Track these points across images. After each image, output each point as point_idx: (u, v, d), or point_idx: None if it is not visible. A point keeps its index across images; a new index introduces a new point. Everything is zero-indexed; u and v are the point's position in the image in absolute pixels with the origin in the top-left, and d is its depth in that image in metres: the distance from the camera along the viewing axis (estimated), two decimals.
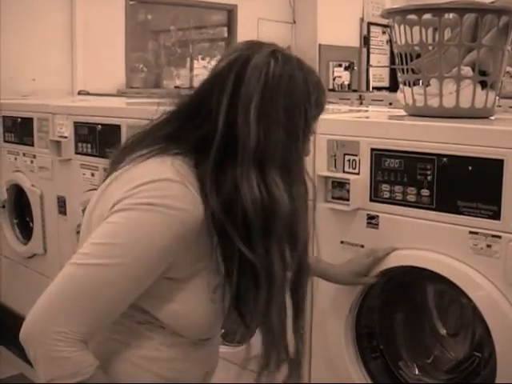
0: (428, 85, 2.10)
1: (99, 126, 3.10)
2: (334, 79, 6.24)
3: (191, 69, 7.02)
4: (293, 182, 1.35)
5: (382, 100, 3.66)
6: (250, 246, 1.31)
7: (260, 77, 1.32)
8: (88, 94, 5.27)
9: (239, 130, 1.30)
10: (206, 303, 1.38)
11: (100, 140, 3.11)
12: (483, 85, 2.07)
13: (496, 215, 1.76)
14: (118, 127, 2.95)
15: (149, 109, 2.83)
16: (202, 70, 7.03)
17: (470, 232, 1.81)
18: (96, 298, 1.25)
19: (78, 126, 3.26)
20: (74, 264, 1.26)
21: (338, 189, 2.07)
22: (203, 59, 7.18)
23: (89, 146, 3.18)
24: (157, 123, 1.45)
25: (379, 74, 6.76)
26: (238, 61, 1.34)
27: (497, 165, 1.74)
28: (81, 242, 1.43)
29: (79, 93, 5.38)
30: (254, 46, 1.37)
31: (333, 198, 2.09)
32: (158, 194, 1.26)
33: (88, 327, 1.25)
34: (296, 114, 1.35)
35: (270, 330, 1.39)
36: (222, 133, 1.31)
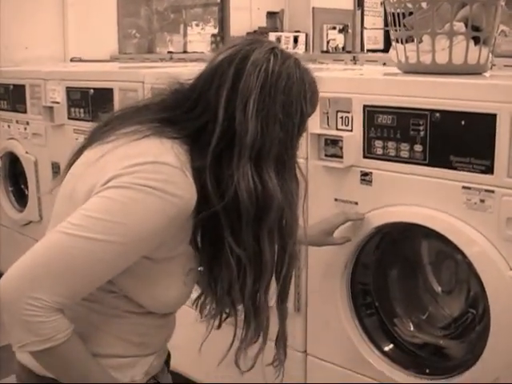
0: (420, 41, 2.08)
1: (91, 91, 3.09)
2: (328, 42, 6.20)
3: (185, 34, 6.96)
4: (286, 177, 1.38)
5: (376, 61, 3.63)
6: (240, 237, 1.34)
7: (259, 73, 1.32)
8: (81, 60, 5.23)
9: (237, 124, 1.31)
10: (177, 285, 1.42)
11: (93, 104, 3.10)
12: (476, 41, 2.05)
13: (489, 170, 1.76)
14: (110, 91, 2.95)
15: (140, 72, 2.85)
16: (196, 36, 6.97)
17: (463, 187, 1.81)
18: (83, 271, 1.23)
19: (70, 91, 3.25)
20: (64, 233, 1.23)
21: (331, 146, 2.06)
22: (197, 25, 7.12)
23: (81, 110, 3.18)
24: (149, 104, 1.46)
25: (374, 36, 6.72)
26: (237, 55, 1.35)
27: (490, 119, 1.73)
28: (59, 210, 1.42)
29: (72, 60, 5.33)
30: (254, 43, 1.38)
31: (326, 155, 2.09)
32: (159, 177, 1.25)
33: (68, 299, 1.23)
34: (293, 112, 1.36)
35: (256, 312, 1.43)
36: (222, 125, 1.32)
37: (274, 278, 1.44)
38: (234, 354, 1.49)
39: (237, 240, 1.34)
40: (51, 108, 3.36)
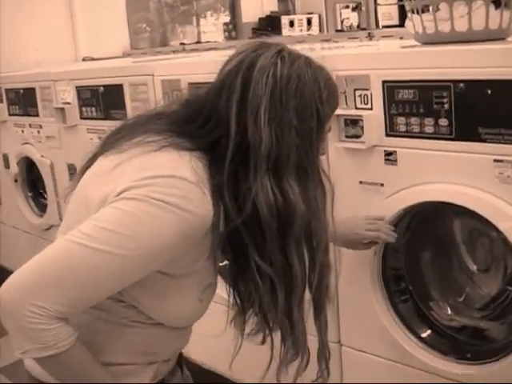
0: (437, 10, 1.98)
1: (101, 88, 3.03)
2: (342, 21, 6.10)
3: (197, 25, 6.90)
4: (309, 185, 1.33)
5: (392, 35, 3.53)
6: (266, 252, 1.30)
7: (267, 79, 1.28)
8: (92, 59, 5.19)
9: (250, 136, 1.27)
10: (192, 301, 1.40)
11: (104, 102, 3.04)
12: (497, 4, 1.94)
13: None
14: (120, 87, 2.88)
15: (149, 65, 2.78)
16: (210, 26, 6.90)
17: (495, 160, 1.73)
18: (90, 282, 1.20)
19: (80, 90, 3.19)
20: (73, 242, 1.20)
21: (351, 127, 1.98)
22: (211, 16, 7.06)
23: (93, 109, 3.12)
24: (162, 113, 1.43)
25: (388, 12, 6.58)
26: (243, 64, 1.31)
27: None
28: (71, 216, 1.41)
29: (84, 59, 5.29)
30: (260, 48, 1.33)
31: (347, 136, 2.01)
32: (175, 192, 1.22)
33: (72, 309, 1.20)
34: (308, 115, 1.31)
35: (291, 328, 1.38)
36: (235, 139, 1.28)
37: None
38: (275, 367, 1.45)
39: (262, 256, 1.30)
40: (63, 109, 3.30)
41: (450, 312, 2.13)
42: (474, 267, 2.16)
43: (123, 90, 2.87)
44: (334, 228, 1.58)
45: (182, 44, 5.91)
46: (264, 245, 1.29)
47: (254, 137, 1.26)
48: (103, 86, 3.02)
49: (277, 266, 1.30)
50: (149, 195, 1.20)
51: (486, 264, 2.13)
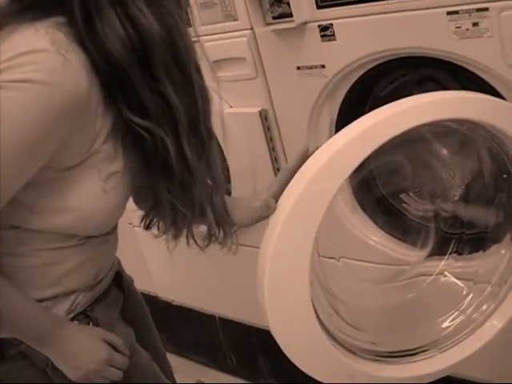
0: None
1: None
2: None
3: None
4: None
5: None
6: (137, 101, 1.20)
7: None
8: None
9: None
10: (94, 193, 1.26)
11: None
12: None
13: None
14: None
15: None
16: None
17: (448, 12, 1.51)
18: None
19: None
20: None
21: (277, 5, 1.77)
22: None
23: None
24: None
25: None
26: None
27: None
28: None
29: None
30: None
31: (274, 18, 1.80)
32: (35, 68, 1.10)
33: None
34: None
35: (194, 183, 1.29)
36: None
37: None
38: None
39: (134, 109, 1.19)
40: None
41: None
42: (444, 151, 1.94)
43: None
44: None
45: None
46: (133, 91, 1.18)
47: None
48: None
49: (153, 109, 1.19)
50: (8, 79, 1.09)
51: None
